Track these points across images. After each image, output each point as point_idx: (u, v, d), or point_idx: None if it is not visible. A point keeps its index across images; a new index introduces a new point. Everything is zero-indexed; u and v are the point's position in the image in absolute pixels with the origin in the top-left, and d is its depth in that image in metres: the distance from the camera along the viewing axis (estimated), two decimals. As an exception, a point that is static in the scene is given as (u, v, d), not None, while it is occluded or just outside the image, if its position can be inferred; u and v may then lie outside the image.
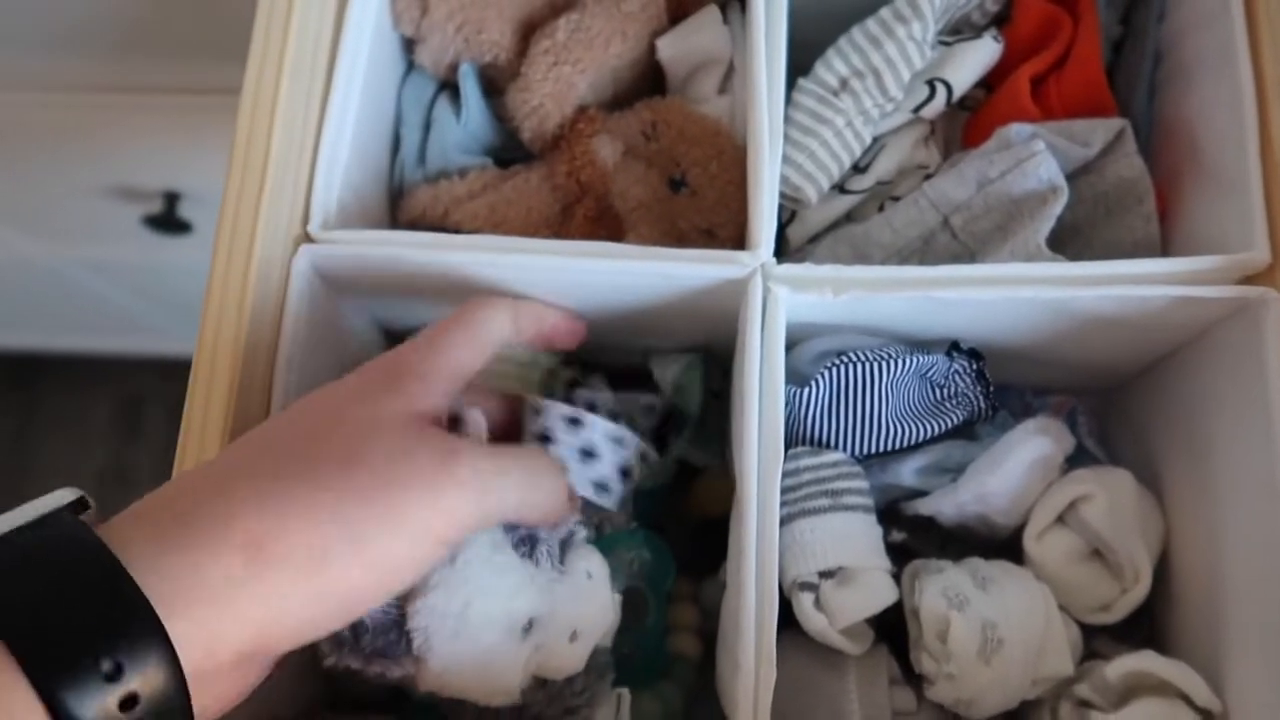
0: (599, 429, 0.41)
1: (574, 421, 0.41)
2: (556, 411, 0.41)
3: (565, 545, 0.35)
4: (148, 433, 1.45)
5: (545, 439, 0.41)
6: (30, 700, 0.24)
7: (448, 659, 0.31)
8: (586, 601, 0.35)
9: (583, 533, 0.36)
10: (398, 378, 0.34)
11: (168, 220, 0.84)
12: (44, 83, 0.79)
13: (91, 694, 0.24)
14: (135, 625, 0.25)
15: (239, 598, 0.27)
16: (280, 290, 0.40)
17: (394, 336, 0.50)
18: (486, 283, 0.42)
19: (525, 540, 0.33)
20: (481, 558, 0.32)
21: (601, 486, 0.42)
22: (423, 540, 0.30)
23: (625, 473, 0.42)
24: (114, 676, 0.24)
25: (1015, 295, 0.38)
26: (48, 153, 0.87)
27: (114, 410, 1.46)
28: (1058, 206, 0.41)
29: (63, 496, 0.28)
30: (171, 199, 0.85)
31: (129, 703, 0.25)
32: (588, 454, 0.41)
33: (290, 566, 0.28)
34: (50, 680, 0.24)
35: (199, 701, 0.27)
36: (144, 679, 0.25)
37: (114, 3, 0.70)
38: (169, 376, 1.43)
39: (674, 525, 0.48)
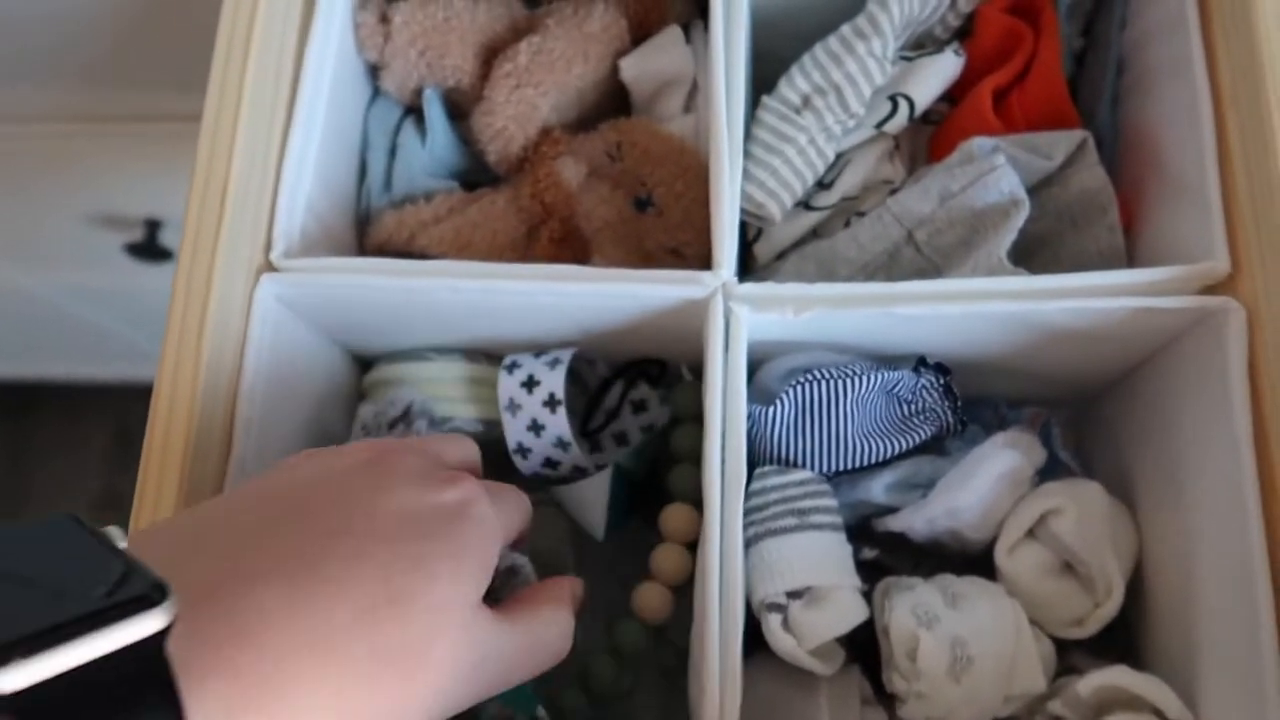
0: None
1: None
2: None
3: None
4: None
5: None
6: None
7: None
8: None
9: None
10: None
11: (149, 248, 0.85)
12: (22, 114, 0.79)
13: None
14: None
15: None
16: (242, 320, 0.40)
17: (364, 363, 0.50)
18: (451, 308, 0.42)
19: None
20: None
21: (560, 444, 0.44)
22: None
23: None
24: None
25: (977, 310, 0.38)
26: (30, 182, 0.87)
27: (108, 438, 1.46)
28: (1019, 219, 0.41)
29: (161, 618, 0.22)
30: (153, 226, 0.85)
31: None
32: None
33: None
34: None
35: None
36: None
37: (91, 33, 0.71)
38: (162, 402, 1.43)
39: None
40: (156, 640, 0.22)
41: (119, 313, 1.09)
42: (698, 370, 0.48)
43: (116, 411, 1.45)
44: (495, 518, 0.33)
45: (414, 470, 0.33)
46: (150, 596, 0.22)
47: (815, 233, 0.48)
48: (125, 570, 0.22)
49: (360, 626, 0.27)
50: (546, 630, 0.35)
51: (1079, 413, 0.52)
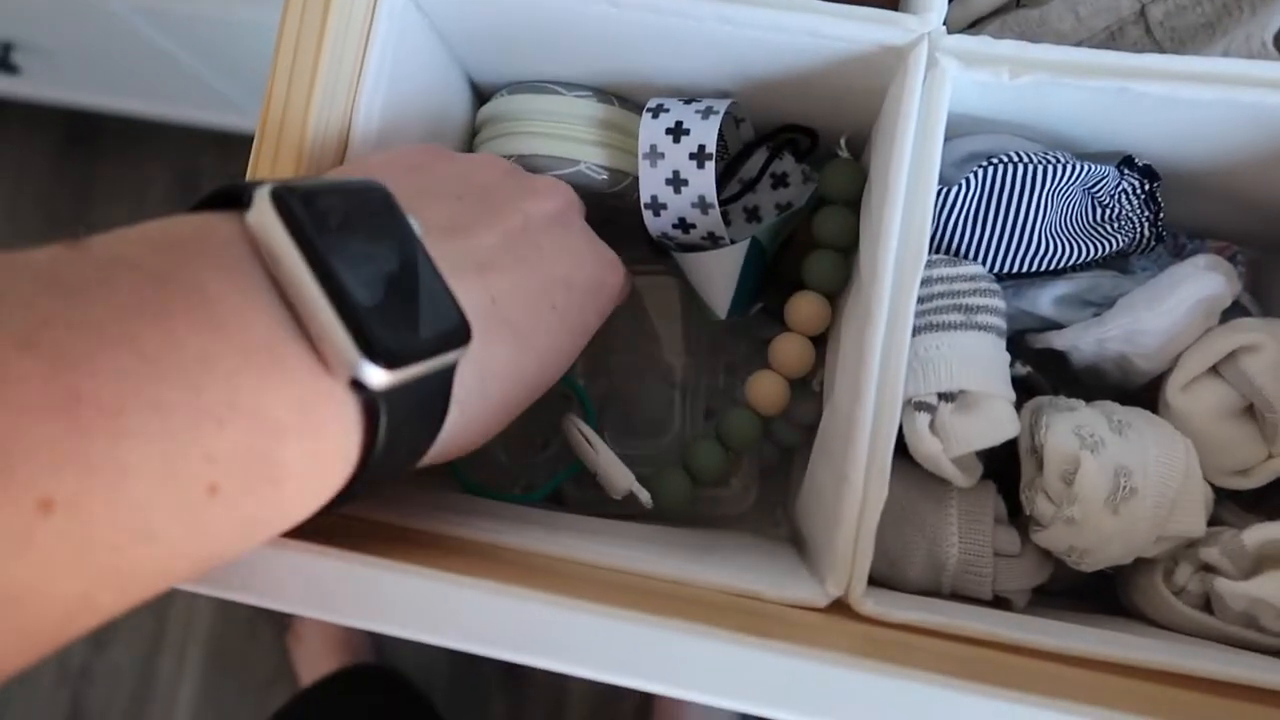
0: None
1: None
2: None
3: None
4: (204, 208, 1.42)
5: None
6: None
7: None
8: None
9: None
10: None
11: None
12: None
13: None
14: None
15: None
16: (366, 17, 0.35)
17: (484, 94, 0.45)
18: (602, 30, 0.37)
19: None
20: None
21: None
22: None
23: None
24: None
25: (1232, 98, 0.32)
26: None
27: (171, 181, 1.43)
28: (1293, -2, 0.34)
29: None
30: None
31: None
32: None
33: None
34: None
35: None
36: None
37: None
38: (230, 152, 1.40)
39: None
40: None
41: (199, 45, 1.03)
42: (856, 148, 0.43)
43: (180, 153, 1.42)
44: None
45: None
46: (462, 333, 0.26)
47: (1019, 2, 0.41)
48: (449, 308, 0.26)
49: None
50: None
51: (1266, 256, 0.46)
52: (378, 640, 1.17)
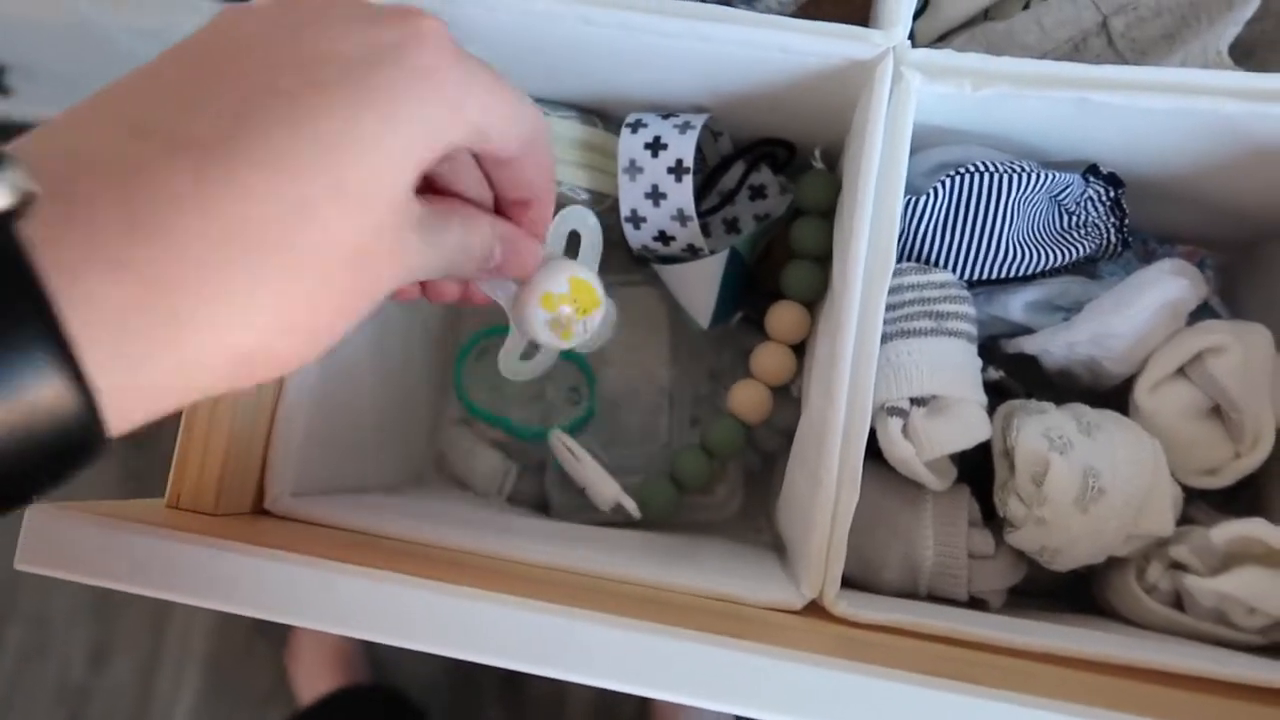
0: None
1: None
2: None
3: None
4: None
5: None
6: None
7: None
8: None
9: None
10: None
11: (226, -13, 0.79)
12: None
13: None
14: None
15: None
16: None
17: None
18: (575, 46, 0.38)
19: None
20: None
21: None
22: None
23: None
24: None
25: (1188, 106, 0.33)
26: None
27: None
28: (1248, 10, 0.35)
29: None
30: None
31: None
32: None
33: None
34: None
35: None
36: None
37: None
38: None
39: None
40: (2, 226, 0.17)
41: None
42: (831, 159, 0.43)
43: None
44: (456, 79, 0.24)
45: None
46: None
47: (987, 14, 0.42)
48: None
49: (298, 219, 0.21)
50: (467, 247, 0.28)
51: (1233, 259, 0.47)
52: (375, 658, 1.17)
